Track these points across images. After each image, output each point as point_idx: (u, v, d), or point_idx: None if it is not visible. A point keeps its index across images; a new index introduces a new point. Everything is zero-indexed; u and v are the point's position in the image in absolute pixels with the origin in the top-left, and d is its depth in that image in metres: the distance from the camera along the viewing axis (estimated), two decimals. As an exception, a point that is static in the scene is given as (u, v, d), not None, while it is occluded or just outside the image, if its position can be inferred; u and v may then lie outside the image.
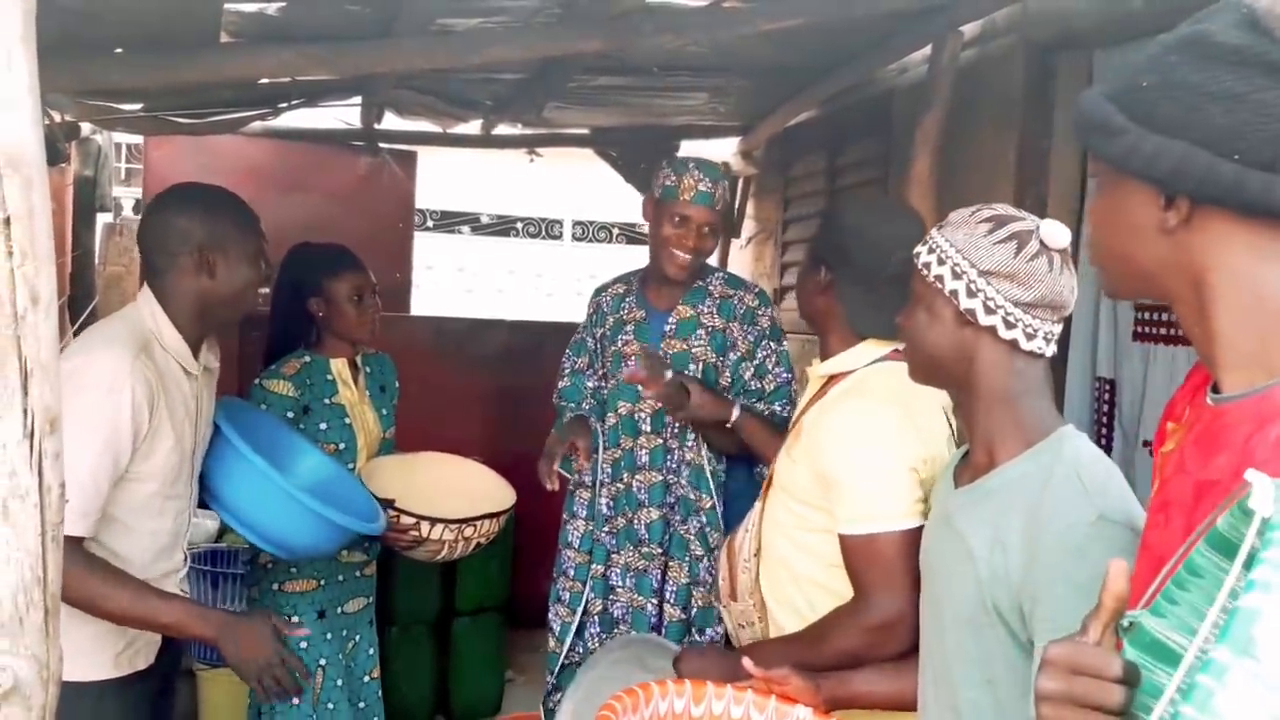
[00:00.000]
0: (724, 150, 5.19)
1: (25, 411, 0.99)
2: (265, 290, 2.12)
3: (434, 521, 2.47)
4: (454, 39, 2.71)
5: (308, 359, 2.69)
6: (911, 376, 1.51)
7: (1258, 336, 0.92)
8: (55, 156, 4.33)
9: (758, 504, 2.03)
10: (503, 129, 4.70)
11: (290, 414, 2.60)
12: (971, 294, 1.34)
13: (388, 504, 2.46)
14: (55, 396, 1.02)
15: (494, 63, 3.06)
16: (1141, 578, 0.94)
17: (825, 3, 2.64)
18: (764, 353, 2.62)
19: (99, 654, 1.94)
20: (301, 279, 2.70)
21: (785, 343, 2.68)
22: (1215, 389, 0.97)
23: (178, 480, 2.01)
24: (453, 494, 2.72)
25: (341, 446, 2.66)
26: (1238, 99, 0.87)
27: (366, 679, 2.79)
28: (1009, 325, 1.34)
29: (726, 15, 2.62)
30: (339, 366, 2.72)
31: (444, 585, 3.84)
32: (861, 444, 1.73)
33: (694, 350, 2.62)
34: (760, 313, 2.65)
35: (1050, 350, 1.37)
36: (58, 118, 4.05)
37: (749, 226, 5.35)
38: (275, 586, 2.64)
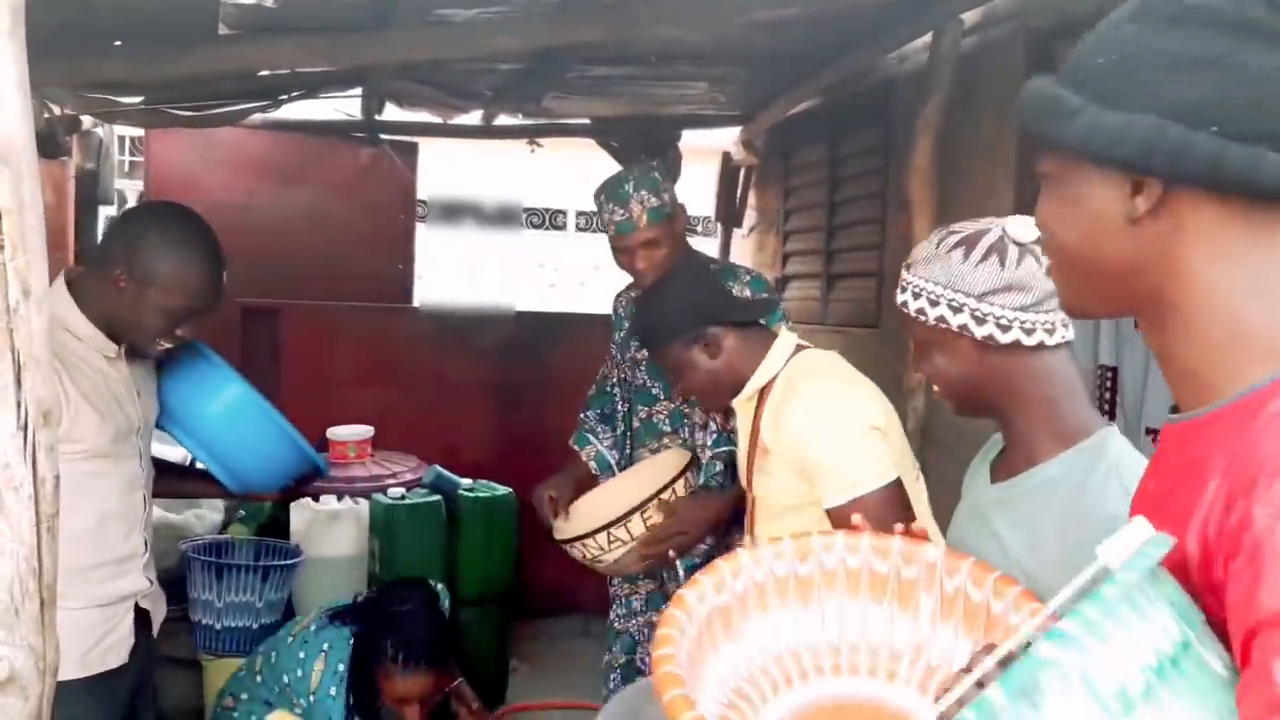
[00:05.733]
0: (724, 139, 5.18)
1: (19, 404, 1.00)
2: (169, 346, 2.18)
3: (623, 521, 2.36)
4: (452, 29, 2.71)
5: None
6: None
7: (1211, 350, 0.83)
8: (56, 150, 4.33)
9: (746, 538, 2.04)
10: (503, 119, 4.69)
11: None
12: (980, 321, 1.32)
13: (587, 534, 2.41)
14: (49, 389, 1.03)
15: (492, 53, 3.06)
16: None
17: (823, -9, 2.64)
18: None
19: (67, 653, 1.93)
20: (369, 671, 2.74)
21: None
22: (1174, 409, 0.89)
23: (119, 459, 2.04)
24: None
25: None
26: (1211, 64, 0.78)
27: None
28: (1028, 332, 1.32)
29: (723, 4, 2.62)
30: None
31: (447, 574, 3.84)
32: (824, 423, 1.83)
33: None
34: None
35: (1070, 334, 1.35)
36: (58, 111, 4.05)
37: (750, 216, 5.34)
38: None
